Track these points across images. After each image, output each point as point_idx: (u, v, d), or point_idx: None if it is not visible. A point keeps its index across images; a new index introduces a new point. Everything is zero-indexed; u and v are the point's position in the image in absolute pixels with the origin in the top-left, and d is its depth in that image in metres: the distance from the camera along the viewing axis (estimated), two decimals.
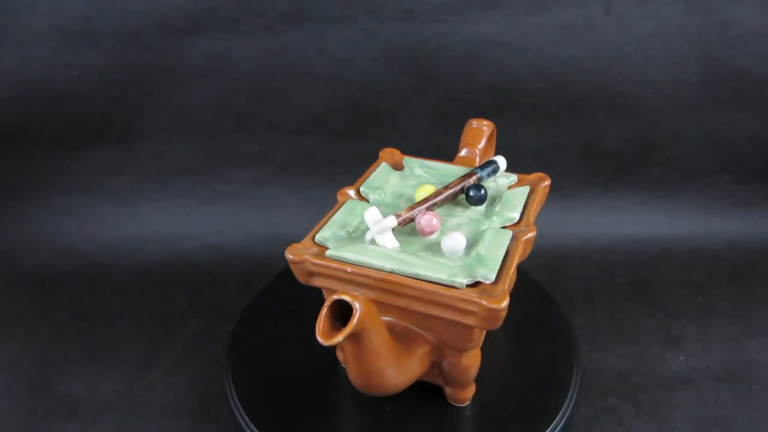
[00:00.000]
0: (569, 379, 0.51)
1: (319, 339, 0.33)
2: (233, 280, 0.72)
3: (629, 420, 0.54)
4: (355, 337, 0.35)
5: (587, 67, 0.75)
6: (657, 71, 0.75)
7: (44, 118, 0.78)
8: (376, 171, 0.51)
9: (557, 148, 0.79)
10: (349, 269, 0.40)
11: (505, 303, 0.37)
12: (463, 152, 0.54)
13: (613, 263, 0.74)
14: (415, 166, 0.52)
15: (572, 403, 0.49)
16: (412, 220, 0.43)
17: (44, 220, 0.80)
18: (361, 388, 0.40)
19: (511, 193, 0.48)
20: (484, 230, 0.43)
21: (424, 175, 0.51)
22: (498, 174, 0.50)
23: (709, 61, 0.75)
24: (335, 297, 0.34)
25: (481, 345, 0.45)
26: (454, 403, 0.48)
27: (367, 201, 0.48)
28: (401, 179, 0.51)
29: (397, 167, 0.53)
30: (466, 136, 0.54)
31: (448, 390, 0.48)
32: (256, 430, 0.47)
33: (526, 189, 0.48)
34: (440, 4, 0.74)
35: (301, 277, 0.43)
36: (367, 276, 0.40)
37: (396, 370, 0.40)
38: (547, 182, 0.49)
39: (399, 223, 0.42)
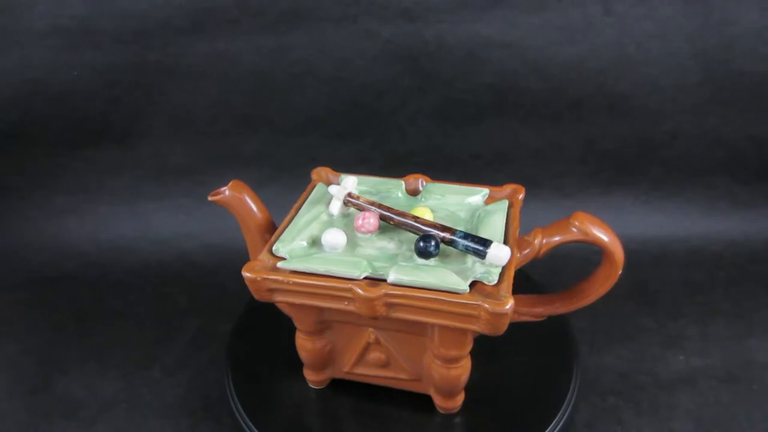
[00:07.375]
0: (569, 379, 0.51)
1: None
2: (233, 280, 0.72)
3: (629, 420, 0.54)
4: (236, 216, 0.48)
5: (587, 67, 0.75)
6: (657, 71, 0.75)
7: (44, 118, 0.78)
8: (454, 185, 0.50)
9: (557, 148, 0.79)
10: None
11: None
12: (537, 236, 0.45)
13: None
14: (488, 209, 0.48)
15: (572, 403, 0.50)
16: (361, 209, 0.46)
17: (44, 220, 0.80)
18: None
19: (444, 275, 0.39)
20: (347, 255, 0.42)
21: (480, 210, 0.48)
22: (485, 261, 0.40)
23: (709, 61, 0.75)
24: (232, 180, 0.47)
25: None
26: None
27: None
28: (456, 200, 0.49)
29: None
30: (553, 223, 0.46)
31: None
32: (256, 430, 0.47)
33: (462, 288, 0.38)
34: (440, 4, 0.74)
35: None
36: None
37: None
38: (485, 306, 0.37)
39: (346, 202, 0.46)
